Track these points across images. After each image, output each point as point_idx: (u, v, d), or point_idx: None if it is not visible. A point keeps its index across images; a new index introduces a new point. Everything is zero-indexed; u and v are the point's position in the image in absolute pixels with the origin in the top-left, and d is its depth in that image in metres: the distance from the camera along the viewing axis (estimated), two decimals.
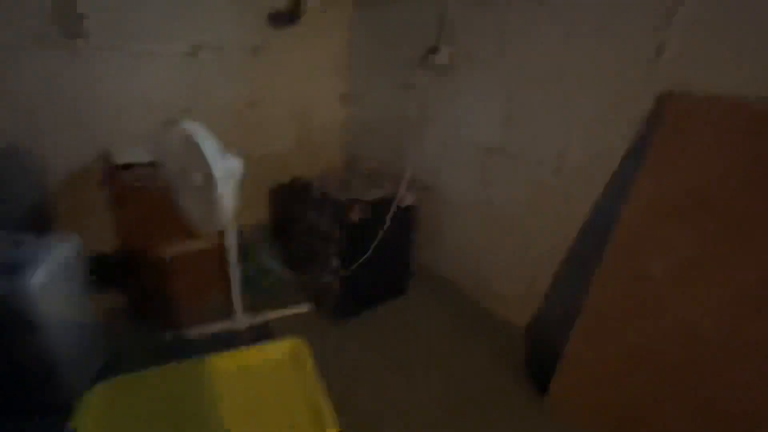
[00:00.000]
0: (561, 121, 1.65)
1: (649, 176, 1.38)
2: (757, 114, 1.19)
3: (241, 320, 1.98)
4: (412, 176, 2.15)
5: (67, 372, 1.48)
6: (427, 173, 2.33)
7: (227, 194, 1.56)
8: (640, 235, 1.39)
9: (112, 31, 1.98)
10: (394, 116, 2.46)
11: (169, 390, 1.25)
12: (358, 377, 1.77)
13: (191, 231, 1.81)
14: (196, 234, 1.89)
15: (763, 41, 1.16)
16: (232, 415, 1.22)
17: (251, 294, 2.16)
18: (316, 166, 2.94)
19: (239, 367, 1.34)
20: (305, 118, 2.80)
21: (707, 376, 1.27)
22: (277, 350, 1.38)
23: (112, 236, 2.08)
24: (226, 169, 1.58)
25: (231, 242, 1.84)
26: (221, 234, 1.87)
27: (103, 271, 1.92)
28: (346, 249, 1.95)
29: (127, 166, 1.89)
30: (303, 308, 2.14)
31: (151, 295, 1.92)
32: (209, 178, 1.51)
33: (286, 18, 2.44)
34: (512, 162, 1.87)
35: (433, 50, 2.05)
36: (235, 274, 1.90)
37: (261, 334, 1.98)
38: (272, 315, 2.09)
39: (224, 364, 1.34)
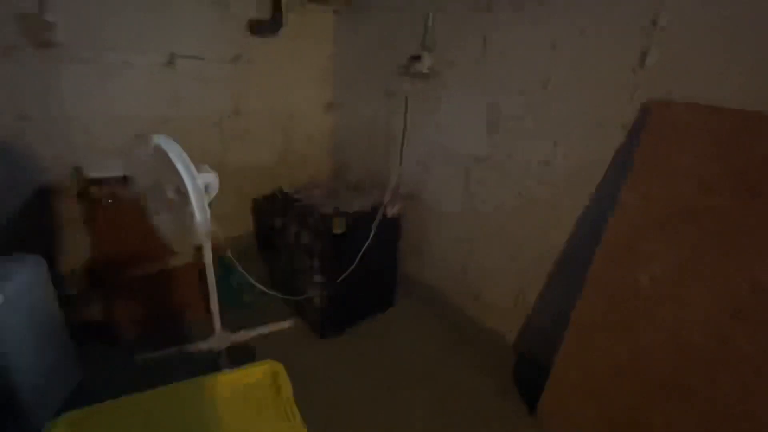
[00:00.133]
0: (546, 130, 1.62)
1: (635, 186, 1.35)
2: (741, 122, 1.17)
3: (221, 339, 1.90)
4: (397, 186, 2.10)
5: (32, 400, 1.40)
6: (412, 182, 2.28)
7: (202, 208, 1.50)
8: (627, 245, 1.35)
9: (85, 41, 1.91)
10: (379, 125, 2.42)
11: (139, 420, 1.17)
12: (341, 397, 1.71)
13: (166, 247, 1.74)
14: (172, 250, 1.82)
15: (746, 51, 1.13)
16: None
17: (232, 310, 2.09)
18: (301, 176, 2.89)
19: (213, 394, 1.27)
20: (289, 128, 2.75)
21: (698, 389, 1.23)
22: (252, 374, 1.32)
23: (85, 254, 2.00)
24: (200, 183, 1.52)
25: (208, 258, 1.77)
26: (198, 249, 1.80)
27: (75, 291, 1.84)
28: (329, 263, 1.89)
29: (99, 181, 1.82)
30: (286, 324, 2.08)
31: (125, 313, 1.84)
32: (182, 193, 1.45)
33: (267, 27, 2.39)
34: (497, 171, 1.84)
35: (416, 58, 2.02)
36: (213, 290, 1.82)
37: (241, 353, 1.91)
38: (253, 333, 2.02)
39: (197, 390, 1.27)
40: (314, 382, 1.77)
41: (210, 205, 1.65)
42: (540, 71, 1.59)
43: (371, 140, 2.53)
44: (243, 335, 1.98)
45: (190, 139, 2.35)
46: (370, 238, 1.93)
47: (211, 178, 1.62)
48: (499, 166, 1.82)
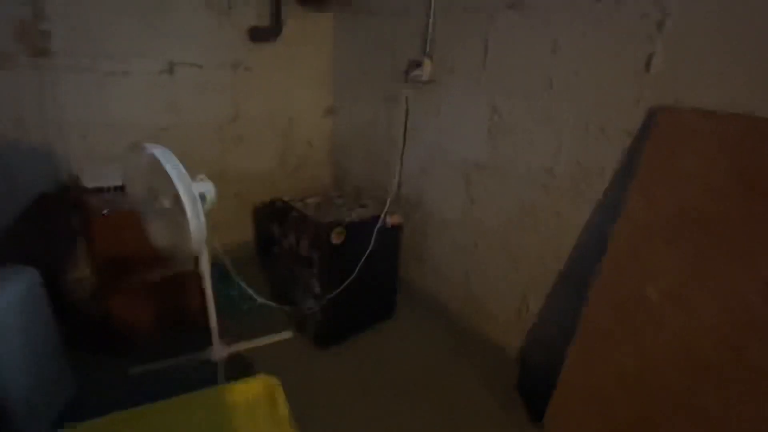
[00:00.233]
0: (549, 136, 1.59)
1: (641, 193, 1.31)
2: (749, 128, 1.13)
3: (218, 350, 1.86)
4: (396, 194, 2.07)
5: (24, 414, 1.36)
6: (412, 188, 2.25)
7: (198, 218, 1.47)
8: (634, 254, 1.31)
9: (82, 49, 1.90)
10: (379, 130, 2.40)
11: None
12: (340, 410, 1.67)
13: (162, 257, 1.71)
14: (168, 260, 1.79)
15: (754, 56, 1.10)
16: None
17: (230, 321, 2.05)
18: (302, 181, 2.86)
19: (206, 409, 1.23)
20: (289, 133, 2.73)
21: (709, 401, 1.18)
22: (247, 389, 1.28)
23: (83, 264, 1.97)
24: (196, 192, 1.50)
25: (205, 267, 1.74)
26: (195, 259, 1.77)
27: (70, 301, 1.81)
28: (327, 273, 1.85)
29: (96, 190, 1.80)
30: (285, 335, 2.04)
31: (119, 325, 1.81)
32: (177, 202, 1.42)
33: (267, 33, 2.38)
34: (499, 177, 1.80)
35: (415, 63, 1.99)
36: (210, 300, 1.79)
37: (239, 364, 1.87)
38: (252, 344, 1.98)
39: (190, 406, 1.24)
40: (312, 395, 1.73)
41: (207, 214, 1.63)
42: (542, 76, 1.56)
43: (371, 145, 2.50)
44: (241, 346, 1.95)
45: (190, 147, 2.35)
46: (370, 247, 1.90)
47: (207, 187, 1.60)
48: (501, 172, 1.79)
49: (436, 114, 2.03)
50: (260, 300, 1.93)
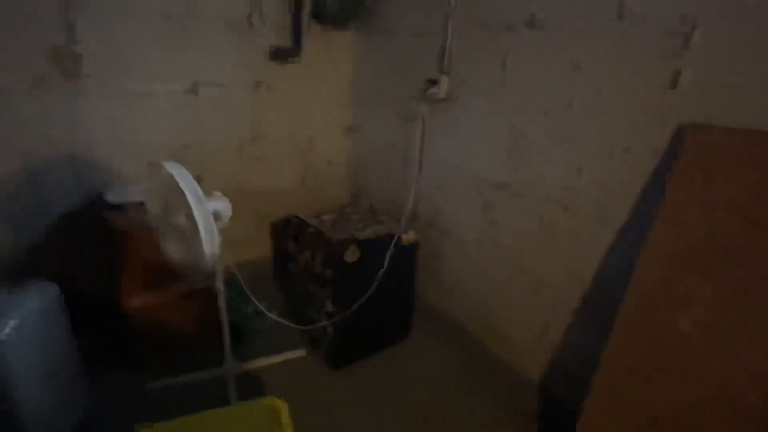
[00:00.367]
0: (569, 156, 1.53)
1: (669, 218, 1.23)
2: None
3: (232, 367, 1.86)
4: (413, 212, 2.04)
5: (41, 427, 1.38)
6: (429, 208, 2.21)
7: (211, 235, 1.48)
8: (663, 284, 1.22)
9: (111, 72, 1.98)
10: (396, 149, 2.38)
11: None
12: None
13: (178, 273, 1.73)
14: (183, 277, 1.81)
15: None
16: None
17: (243, 338, 2.05)
18: (320, 199, 2.86)
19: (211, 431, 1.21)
20: (308, 152, 2.75)
21: None
22: (252, 411, 1.26)
23: (103, 278, 2.01)
24: (209, 209, 1.51)
25: (219, 285, 1.75)
26: (209, 276, 1.78)
27: (88, 316, 1.84)
28: (341, 291, 1.83)
29: (119, 207, 1.85)
30: (298, 354, 2.02)
31: (135, 340, 1.84)
32: (192, 220, 1.44)
33: (288, 53, 2.42)
34: (518, 197, 1.74)
35: (433, 82, 1.98)
36: (224, 318, 1.79)
37: (252, 382, 1.85)
38: (265, 361, 1.97)
39: (194, 427, 1.22)
40: (322, 417, 1.69)
41: (222, 230, 1.64)
42: (562, 94, 1.51)
43: (388, 164, 2.48)
44: (253, 364, 1.94)
45: (211, 164, 2.40)
46: (385, 266, 1.86)
47: (221, 205, 1.61)
48: (519, 192, 1.73)
49: (453, 132, 2.00)
50: (273, 317, 1.92)
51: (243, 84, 2.37)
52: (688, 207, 1.19)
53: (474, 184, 1.94)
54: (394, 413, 1.74)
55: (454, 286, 2.16)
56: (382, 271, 1.85)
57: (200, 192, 1.45)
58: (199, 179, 2.27)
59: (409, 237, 1.95)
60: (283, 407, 1.28)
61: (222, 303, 1.77)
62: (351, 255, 1.78)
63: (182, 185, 1.40)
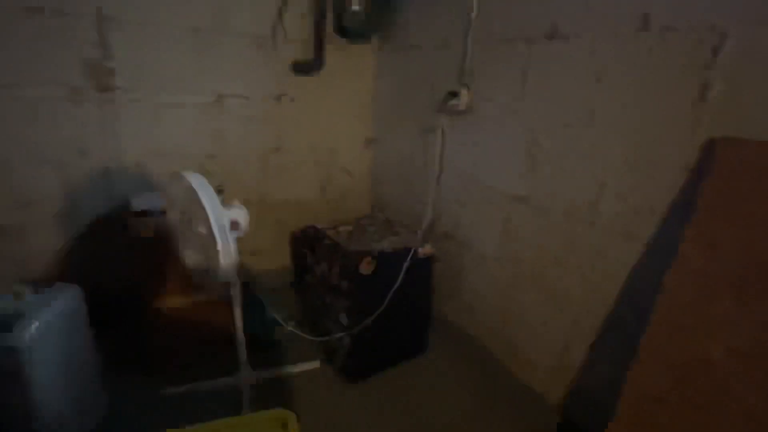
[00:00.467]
0: (592, 170, 1.47)
1: (699, 236, 1.16)
2: None
3: (246, 376, 1.86)
4: (431, 225, 2.01)
5: (58, 429, 1.42)
6: (448, 221, 2.18)
7: (227, 245, 1.50)
8: (692, 307, 1.15)
9: (141, 84, 2.06)
10: (415, 161, 2.37)
11: None
12: None
13: (195, 281, 1.76)
14: (201, 284, 1.84)
15: None
16: None
17: (259, 347, 2.05)
18: (341, 211, 2.88)
19: None
20: (329, 163, 2.78)
21: None
22: (261, 422, 1.25)
23: (126, 283, 2.07)
24: (226, 219, 1.53)
25: (235, 293, 1.76)
26: (226, 285, 1.80)
27: (110, 319, 1.90)
28: (356, 303, 1.81)
29: (143, 214, 1.90)
30: (312, 365, 2.00)
31: (153, 346, 1.87)
32: (209, 230, 1.46)
33: (310, 66, 2.47)
34: (538, 212, 1.69)
35: (453, 94, 1.96)
36: (239, 327, 1.80)
37: (266, 391, 1.85)
38: (279, 372, 1.97)
39: None
40: (333, 430, 1.66)
41: (239, 240, 1.66)
42: (584, 107, 1.47)
43: (407, 176, 2.47)
44: (268, 373, 1.94)
45: (234, 174, 2.45)
46: (400, 279, 1.84)
47: (239, 214, 1.63)
48: (540, 207, 1.68)
49: (472, 145, 1.97)
50: (289, 328, 1.92)
51: (266, 96, 2.42)
52: (720, 224, 1.12)
53: (494, 198, 1.90)
54: (407, 428, 1.69)
55: (473, 301, 2.11)
56: (398, 284, 1.83)
57: (218, 201, 1.47)
58: (220, 190, 2.33)
59: (425, 250, 1.93)
60: (291, 419, 1.26)
61: (238, 311, 1.78)
62: (366, 267, 1.77)
63: (201, 194, 1.43)
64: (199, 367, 1.94)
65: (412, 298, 1.96)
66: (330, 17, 2.39)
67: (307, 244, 2.09)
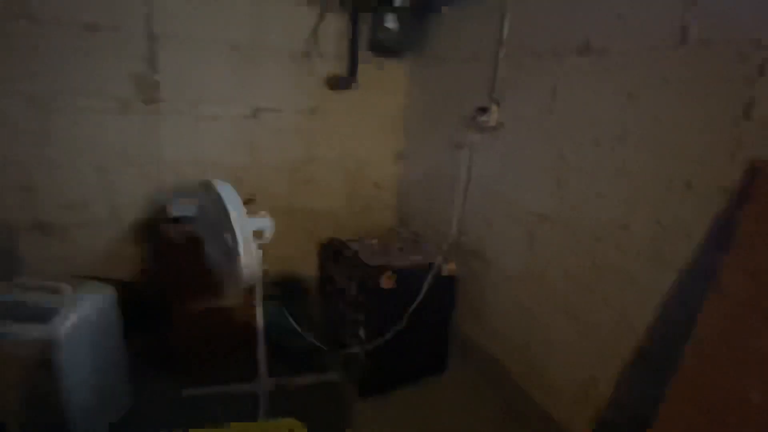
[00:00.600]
0: (623, 189, 1.40)
1: (740, 264, 1.07)
2: None
3: (265, 383, 1.89)
4: (455, 242, 1.98)
5: (81, 420, 1.48)
6: (473, 238, 2.13)
7: (249, 252, 1.53)
8: (730, 341, 1.06)
9: (183, 97, 2.18)
10: (443, 177, 2.35)
11: None
12: None
13: (221, 286, 1.81)
14: (226, 289, 1.89)
15: None
16: None
17: (279, 355, 2.08)
18: (368, 224, 2.89)
19: None
20: (358, 176, 2.81)
21: None
22: (272, 430, 1.25)
23: (157, 285, 2.17)
24: (253, 228, 1.58)
25: (258, 301, 1.80)
26: (250, 292, 1.84)
27: (140, 320, 1.98)
28: (375, 318, 1.80)
29: (176, 220, 2.00)
30: (330, 377, 2.00)
31: (178, 347, 1.93)
32: (234, 237, 1.50)
33: (343, 81, 2.52)
34: (565, 232, 1.63)
35: (482, 110, 1.94)
36: (260, 333, 1.83)
37: (283, 399, 1.86)
38: (297, 380, 1.98)
39: None
40: None
41: (265, 247, 1.70)
42: (615, 123, 1.41)
43: (435, 191, 2.45)
44: (285, 382, 1.95)
45: (265, 183, 2.53)
46: (421, 295, 1.81)
47: (264, 222, 1.68)
48: (568, 226, 1.61)
49: (500, 161, 1.93)
50: (308, 338, 1.93)
51: (299, 110, 2.50)
52: (762, 254, 1.03)
53: (520, 216, 1.84)
54: None
55: (496, 322, 2.04)
56: (418, 300, 1.80)
57: (243, 210, 1.52)
58: (251, 199, 2.41)
59: (448, 267, 1.89)
60: (301, 430, 1.26)
61: (259, 319, 1.82)
62: (386, 282, 1.76)
63: (227, 202, 1.48)
64: (221, 370, 1.98)
65: (433, 316, 1.93)
66: (364, 34, 2.44)
67: (331, 255, 2.11)
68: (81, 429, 1.47)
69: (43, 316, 1.38)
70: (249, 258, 1.53)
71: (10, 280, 1.53)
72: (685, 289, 1.24)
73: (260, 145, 2.45)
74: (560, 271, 1.67)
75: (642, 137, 1.34)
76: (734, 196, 1.12)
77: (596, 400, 1.54)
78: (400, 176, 2.89)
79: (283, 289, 2.44)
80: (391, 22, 2.35)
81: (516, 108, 1.82)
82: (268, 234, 1.70)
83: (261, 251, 1.68)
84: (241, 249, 1.48)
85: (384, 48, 2.48)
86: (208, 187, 1.60)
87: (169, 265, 1.97)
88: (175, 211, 2.07)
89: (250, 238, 1.53)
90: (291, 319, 1.95)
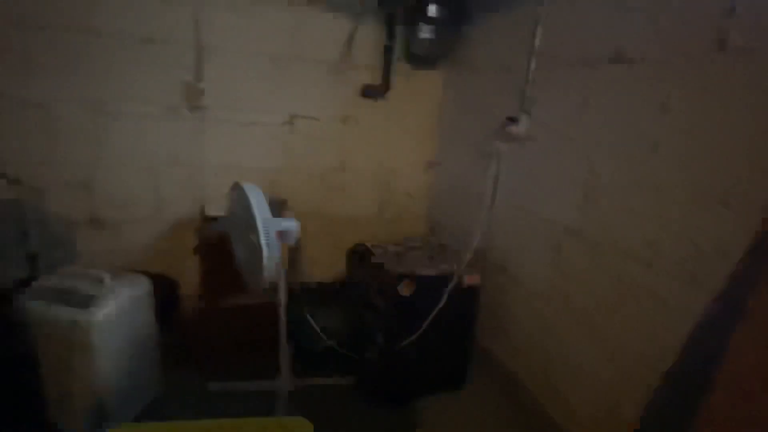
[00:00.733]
0: (654, 205, 1.33)
1: None
2: None
3: (286, 381, 1.93)
4: (477, 253, 1.94)
5: (113, 402, 1.60)
6: (500, 251, 2.09)
7: (274, 254, 1.59)
8: (764, 373, 0.97)
9: (225, 104, 2.32)
10: (471, 187, 2.32)
11: None
12: None
13: (248, 285, 1.89)
14: (252, 288, 1.97)
15: None
16: None
17: (302, 356, 2.12)
18: (398, 232, 2.90)
19: None
20: (389, 184, 2.84)
21: None
22: (278, 427, 1.28)
23: (194, 281, 2.30)
24: (278, 230, 1.64)
25: (281, 301, 1.85)
26: (274, 291, 1.90)
27: (174, 313, 2.10)
28: (393, 325, 1.81)
29: (212, 219, 2.11)
30: (346, 381, 2.02)
31: (206, 342, 2.03)
32: (258, 237, 1.57)
33: (377, 90, 2.57)
34: (593, 249, 1.56)
35: (511, 119, 1.91)
36: (283, 333, 1.89)
37: (299, 398, 1.89)
38: (316, 381, 2.01)
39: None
40: None
41: (294, 249, 1.76)
42: (647, 136, 1.34)
43: (463, 202, 2.43)
44: (305, 381, 1.99)
45: (299, 188, 2.61)
46: (441, 305, 1.80)
47: (290, 224, 1.73)
48: (595, 242, 1.54)
49: (528, 172, 1.89)
50: (327, 341, 1.97)
51: (333, 118, 2.57)
52: None
53: (546, 229, 1.79)
54: None
55: (519, 338, 1.98)
56: (437, 310, 1.78)
57: (268, 212, 1.59)
58: (284, 203, 2.50)
59: (470, 279, 1.86)
60: (308, 429, 1.28)
61: (282, 318, 1.87)
62: (405, 289, 1.76)
63: (253, 204, 1.56)
64: (244, 366, 2.05)
65: (453, 327, 1.90)
66: (398, 45, 2.48)
67: (356, 260, 2.14)
68: (113, 409, 1.58)
69: (86, 302, 1.50)
70: (272, 258, 1.59)
71: (65, 269, 1.70)
72: (718, 313, 1.15)
73: (295, 151, 2.54)
74: (586, 289, 1.59)
75: (676, 150, 1.27)
76: None
77: (620, 426, 1.45)
78: (431, 186, 2.89)
79: (309, 291, 2.49)
80: (425, 33, 2.38)
81: (546, 118, 1.78)
82: (294, 235, 1.75)
83: (286, 252, 1.75)
84: (263, 248, 1.54)
85: (418, 58, 2.51)
86: (237, 189, 1.68)
87: (203, 262, 2.08)
88: (210, 211, 2.19)
89: (274, 238, 1.59)
90: (313, 322, 1.99)
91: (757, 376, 0.97)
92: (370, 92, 2.57)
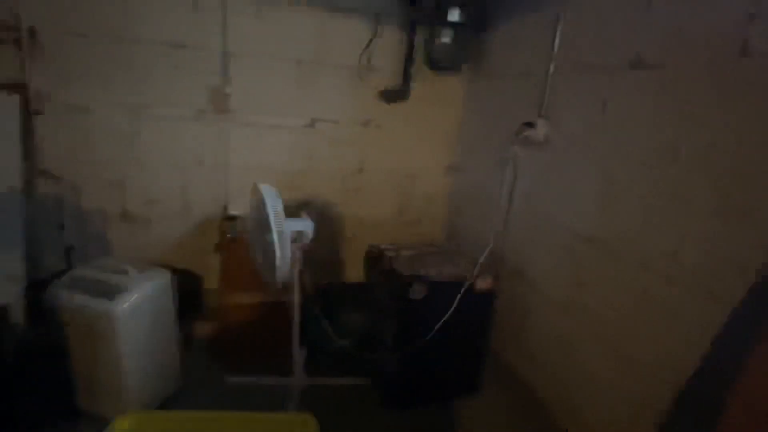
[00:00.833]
0: (673, 214, 1.28)
1: None
2: None
3: (299, 379, 1.98)
4: (494, 258, 1.92)
5: (136, 388, 1.68)
6: (517, 258, 2.06)
7: (287, 253, 1.63)
8: None
9: (250, 108, 2.40)
10: (489, 192, 2.30)
11: None
12: None
13: (265, 283, 1.95)
14: (269, 286, 2.02)
15: None
16: None
17: (316, 355, 2.16)
18: (417, 235, 2.91)
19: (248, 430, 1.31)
20: (409, 188, 2.85)
21: None
22: (283, 422, 1.32)
23: (214, 277, 2.38)
24: (292, 230, 1.68)
25: (294, 299, 1.89)
26: (288, 290, 1.94)
27: (196, 307, 2.19)
28: (404, 328, 1.81)
29: (233, 218, 2.19)
30: (358, 381, 2.04)
31: (226, 337, 2.10)
32: (272, 237, 1.62)
33: (397, 94, 2.60)
34: (610, 258, 1.51)
35: (530, 125, 1.89)
36: (296, 332, 1.93)
37: (310, 396, 1.93)
38: (330, 381, 2.04)
39: (239, 423, 1.33)
40: None
41: (302, 248, 1.80)
42: (667, 143, 1.29)
43: (481, 207, 2.41)
44: (317, 380, 2.02)
45: (318, 189, 2.66)
46: (452, 309, 1.79)
47: (305, 224, 1.77)
48: (613, 251, 1.50)
49: (546, 178, 1.86)
50: (339, 342, 1.99)
51: (354, 121, 2.61)
52: None
53: (564, 237, 1.75)
54: None
55: (535, 347, 1.94)
56: (448, 314, 1.78)
57: (282, 212, 1.63)
58: (305, 203, 2.55)
59: (483, 283, 1.84)
60: (313, 426, 1.31)
61: (296, 317, 1.91)
62: (416, 292, 1.76)
63: (268, 205, 1.60)
64: (264, 362, 2.10)
65: (466, 333, 1.89)
66: (419, 50, 2.50)
67: (371, 262, 2.16)
68: (135, 397, 1.67)
69: (112, 292, 1.59)
70: (285, 257, 1.64)
71: (96, 261, 1.81)
72: (737, 329, 1.10)
73: (316, 153, 2.60)
74: (603, 299, 1.55)
75: (696, 158, 1.22)
76: None
77: None
78: (450, 190, 2.88)
79: (325, 291, 2.53)
80: (446, 38, 2.38)
81: (564, 123, 1.75)
82: (308, 237, 1.79)
83: (300, 252, 1.79)
84: (277, 248, 1.58)
85: (439, 63, 2.51)
86: (255, 190, 1.74)
87: (224, 259, 2.16)
88: (232, 210, 2.27)
89: (288, 238, 1.63)
90: (326, 322, 2.03)
91: None
92: (391, 97, 2.60)
